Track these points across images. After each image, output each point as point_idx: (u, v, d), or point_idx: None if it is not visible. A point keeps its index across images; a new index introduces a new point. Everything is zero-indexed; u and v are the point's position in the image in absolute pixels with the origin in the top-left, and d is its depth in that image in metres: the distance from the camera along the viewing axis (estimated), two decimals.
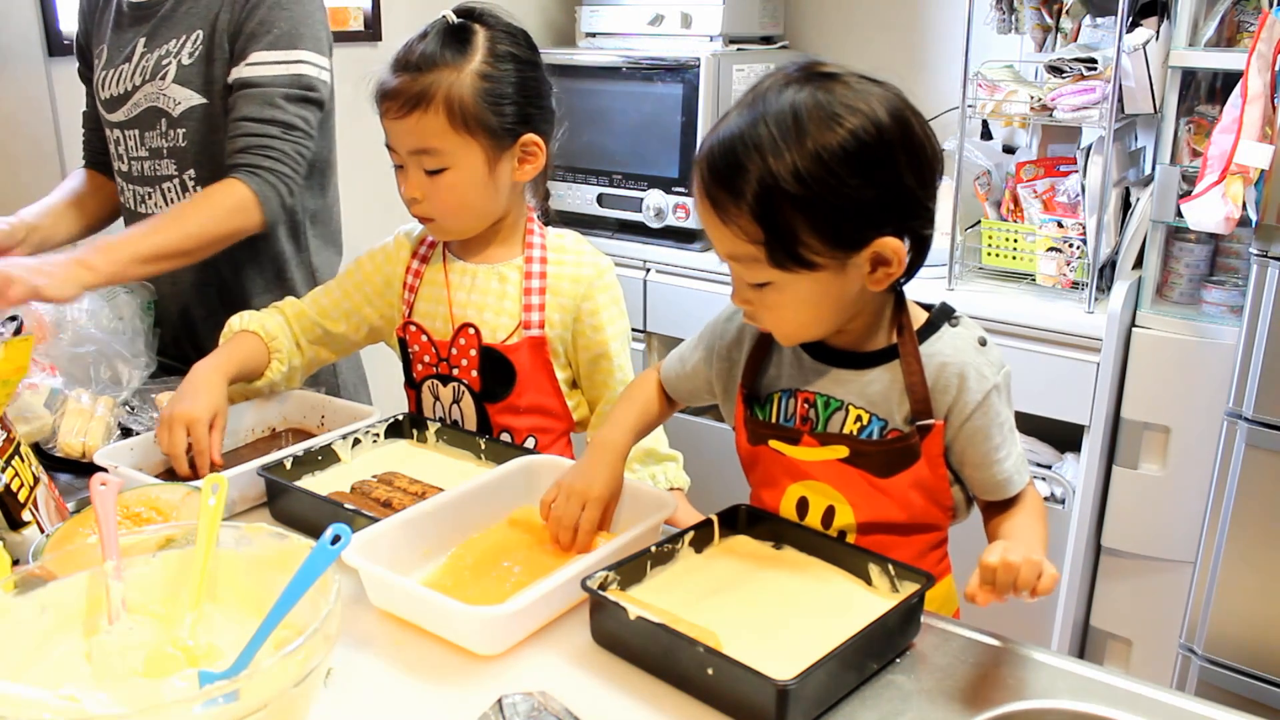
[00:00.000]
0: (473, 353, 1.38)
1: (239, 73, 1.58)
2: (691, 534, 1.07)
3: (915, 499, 1.06)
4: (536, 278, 1.37)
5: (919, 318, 1.07)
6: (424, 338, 1.41)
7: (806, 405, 1.08)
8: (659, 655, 0.92)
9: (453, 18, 1.31)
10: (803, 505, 1.11)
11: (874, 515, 1.07)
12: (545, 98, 1.35)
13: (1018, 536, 1.03)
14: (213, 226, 1.54)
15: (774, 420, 1.11)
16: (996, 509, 1.09)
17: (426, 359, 1.42)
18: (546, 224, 1.44)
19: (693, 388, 1.20)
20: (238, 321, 1.41)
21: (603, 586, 0.97)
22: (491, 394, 1.39)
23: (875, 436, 1.05)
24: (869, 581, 1.02)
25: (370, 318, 1.45)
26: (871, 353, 1.06)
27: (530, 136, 1.33)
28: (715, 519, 1.10)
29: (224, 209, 1.54)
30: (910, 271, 1.00)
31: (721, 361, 1.15)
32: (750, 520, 1.11)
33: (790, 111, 0.93)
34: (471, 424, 1.41)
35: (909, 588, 0.98)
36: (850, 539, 1.09)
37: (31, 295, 1.36)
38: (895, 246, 0.96)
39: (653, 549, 1.04)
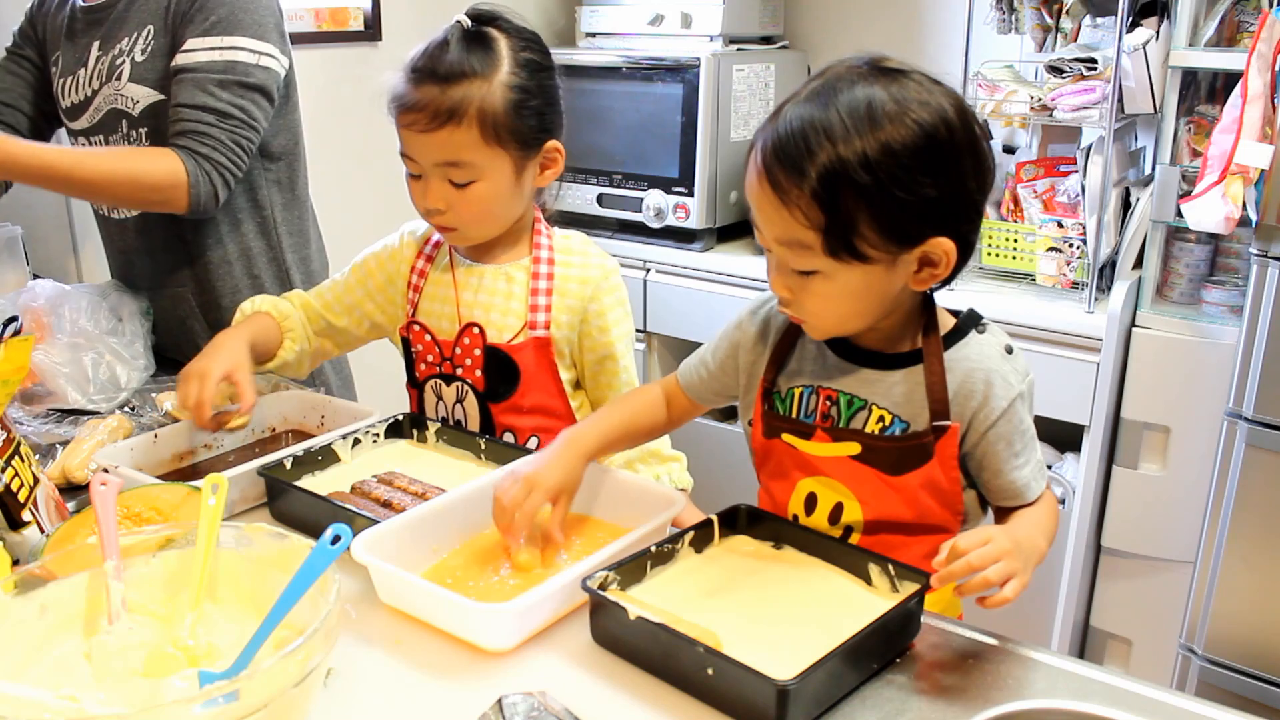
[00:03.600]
0: (477, 352, 1.38)
1: (176, 60, 1.55)
2: (691, 534, 1.07)
3: (925, 499, 1.06)
4: (544, 278, 1.38)
5: (946, 323, 1.07)
6: (428, 337, 1.41)
7: (829, 403, 1.08)
8: (659, 655, 0.92)
9: (468, 22, 1.29)
10: (811, 500, 1.11)
11: (882, 513, 1.07)
12: (560, 102, 1.35)
13: (1015, 523, 1.04)
14: (132, 182, 1.50)
15: (793, 415, 1.11)
16: (1010, 511, 1.09)
17: (430, 358, 1.42)
18: (549, 220, 1.44)
19: (721, 386, 1.20)
20: (249, 305, 1.42)
21: (603, 587, 0.97)
22: (495, 393, 1.39)
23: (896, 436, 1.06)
24: (869, 581, 1.02)
25: (372, 314, 1.46)
26: (897, 354, 1.06)
27: (553, 143, 1.33)
28: (715, 519, 1.10)
29: (151, 173, 1.50)
30: (951, 275, 1.00)
31: (747, 355, 1.16)
32: (750, 520, 1.11)
33: (864, 103, 0.93)
34: (475, 424, 1.41)
35: (909, 588, 0.98)
36: (857, 536, 1.09)
37: None
38: (947, 248, 0.97)
39: (653, 549, 1.04)
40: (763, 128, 0.99)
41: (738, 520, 1.11)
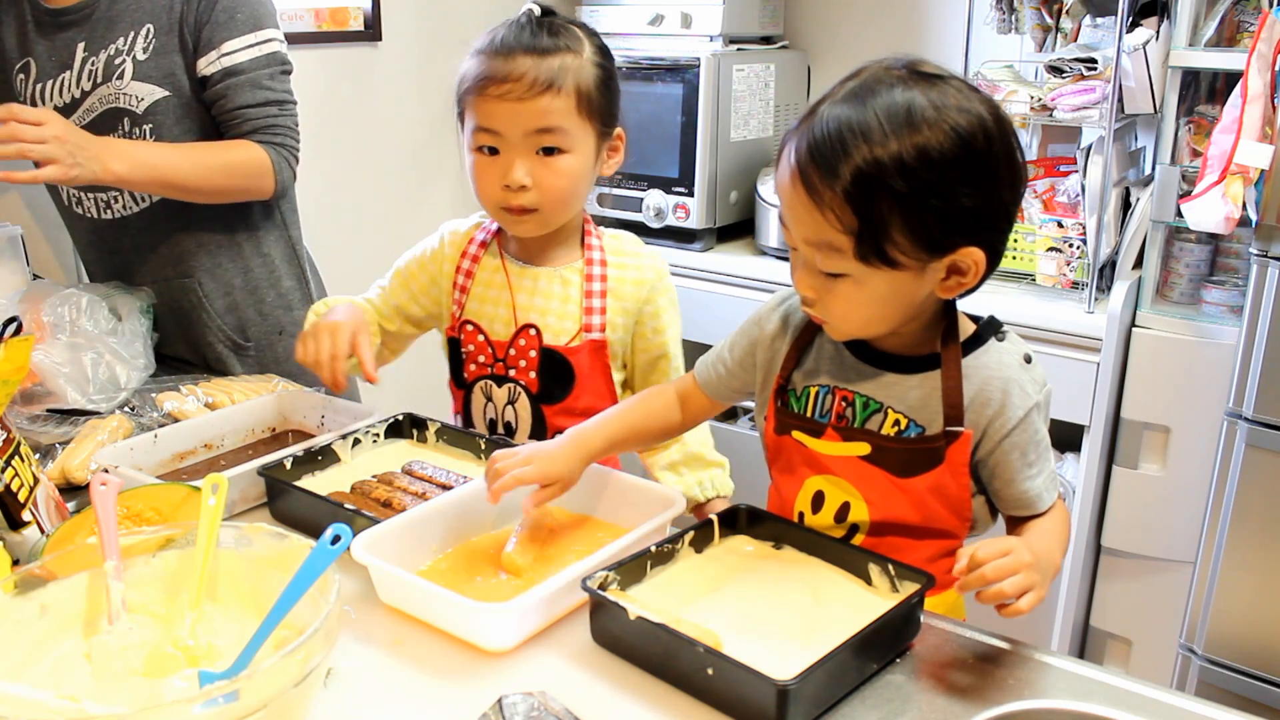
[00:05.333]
0: (532, 354, 1.38)
1: (217, 64, 1.59)
2: (691, 534, 1.07)
3: (932, 503, 1.06)
4: (598, 280, 1.38)
5: (966, 329, 1.07)
6: (480, 337, 1.40)
7: (844, 404, 1.08)
8: (659, 655, 0.92)
9: (538, 10, 1.31)
10: (818, 499, 1.10)
11: (888, 515, 1.07)
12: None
13: (1032, 535, 1.04)
14: (227, 176, 1.62)
15: (807, 414, 1.11)
16: (1021, 520, 1.08)
17: (481, 359, 1.41)
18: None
19: (740, 383, 1.19)
20: (323, 307, 1.45)
21: (603, 586, 0.97)
22: (549, 396, 1.39)
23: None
24: (869, 581, 1.02)
25: (416, 315, 1.47)
26: (916, 359, 1.06)
27: (619, 130, 1.36)
28: (715, 519, 1.10)
29: (243, 163, 1.62)
30: (978, 284, 1.00)
31: (765, 351, 1.15)
32: (750, 520, 1.11)
33: (903, 106, 0.92)
34: (526, 426, 1.40)
35: (909, 588, 0.98)
36: (861, 536, 1.09)
37: (62, 180, 1.45)
38: (977, 257, 0.96)
39: (653, 549, 1.04)
40: (796, 127, 0.98)
41: (738, 520, 1.11)
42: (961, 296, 1.03)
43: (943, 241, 0.95)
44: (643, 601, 0.97)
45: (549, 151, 1.29)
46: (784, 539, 1.09)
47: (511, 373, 1.39)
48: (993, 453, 1.05)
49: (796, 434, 1.10)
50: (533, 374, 1.38)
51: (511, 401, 1.41)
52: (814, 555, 1.06)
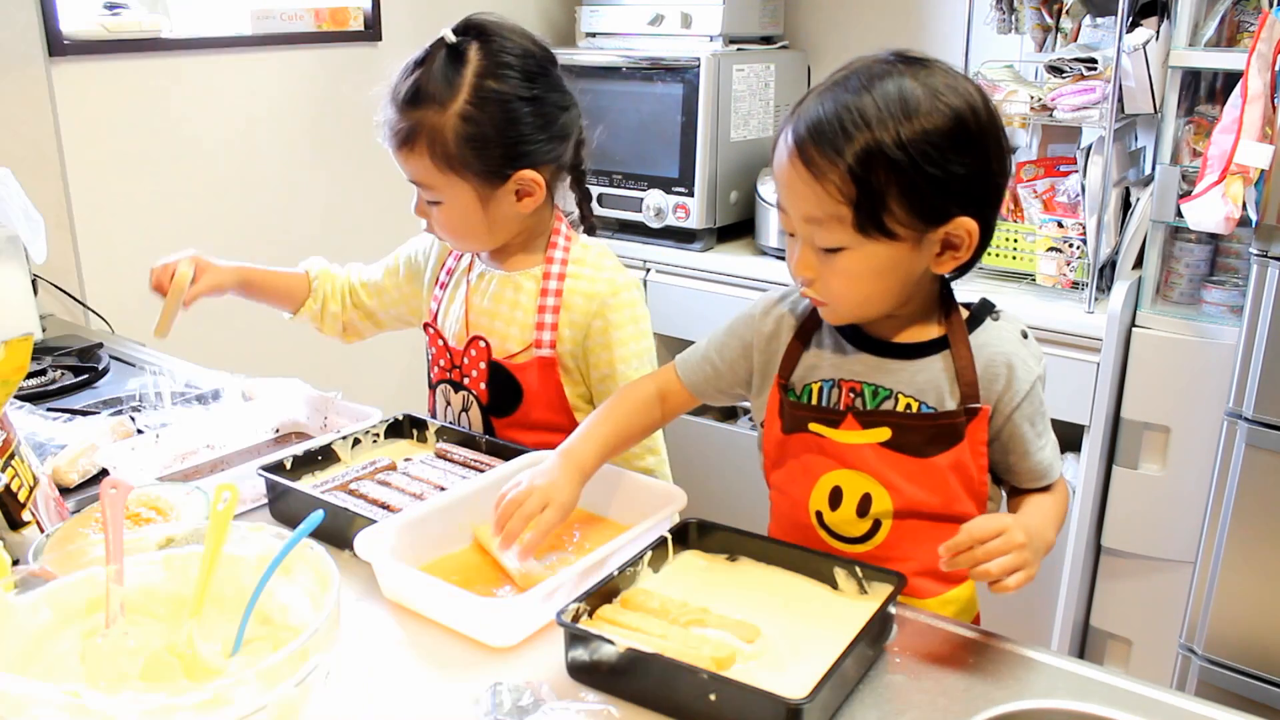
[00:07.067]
0: (482, 365, 1.37)
1: None
2: (649, 554, 1.04)
3: (952, 483, 1.07)
4: (552, 294, 1.35)
5: (961, 312, 1.09)
6: (440, 341, 1.42)
7: (852, 395, 1.08)
8: (653, 686, 0.88)
9: (451, 37, 1.25)
10: (836, 495, 1.09)
11: (911, 501, 1.07)
12: (545, 128, 1.28)
13: (1028, 511, 1.06)
14: None
15: (816, 404, 1.10)
16: (1024, 493, 1.11)
17: (441, 363, 1.43)
18: (588, 231, 1.42)
19: (729, 383, 1.18)
20: (303, 263, 1.52)
21: (575, 619, 0.93)
22: (498, 409, 1.38)
23: None
24: (834, 585, 1.01)
25: (394, 302, 1.51)
26: (917, 345, 1.07)
27: (526, 174, 1.27)
28: (669, 536, 1.06)
29: None
30: (971, 261, 1.02)
31: (761, 354, 1.15)
32: (700, 534, 1.09)
33: (898, 94, 0.96)
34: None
35: (878, 589, 0.98)
36: (886, 526, 1.09)
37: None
38: (970, 228, 0.99)
39: (615, 573, 1.00)
40: (791, 114, 1.01)
41: (688, 536, 1.08)
42: (955, 276, 1.05)
43: (938, 209, 0.98)
44: (622, 623, 0.94)
45: (429, 200, 1.30)
46: (738, 550, 1.07)
47: (465, 381, 1.40)
48: (1004, 427, 1.07)
49: (814, 426, 1.09)
50: (483, 385, 1.38)
51: (465, 409, 1.41)
52: (772, 564, 1.05)
